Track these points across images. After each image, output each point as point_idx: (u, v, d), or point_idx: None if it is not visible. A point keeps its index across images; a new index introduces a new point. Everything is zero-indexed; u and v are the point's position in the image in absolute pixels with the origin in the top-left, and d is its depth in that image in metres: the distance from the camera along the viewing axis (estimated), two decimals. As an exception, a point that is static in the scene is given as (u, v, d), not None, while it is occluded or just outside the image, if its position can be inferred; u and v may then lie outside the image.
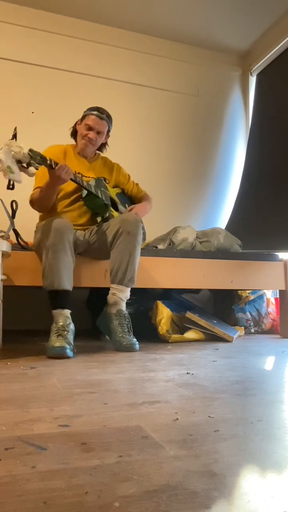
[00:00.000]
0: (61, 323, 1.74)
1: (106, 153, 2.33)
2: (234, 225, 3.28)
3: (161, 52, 3.43)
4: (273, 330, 2.77)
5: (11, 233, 1.92)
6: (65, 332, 1.71)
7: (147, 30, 3.33)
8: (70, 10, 3.11)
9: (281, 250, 2.72)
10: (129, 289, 1.95)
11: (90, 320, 2.50)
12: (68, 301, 1.82)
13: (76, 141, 2.23)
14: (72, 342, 1.72)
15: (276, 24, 3.24)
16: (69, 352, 1.66)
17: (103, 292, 1.99)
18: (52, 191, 1.96)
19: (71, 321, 1.78)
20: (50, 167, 1.83)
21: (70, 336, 1.73)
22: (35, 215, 2.16)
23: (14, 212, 1.95)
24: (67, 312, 1.80)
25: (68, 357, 1.65)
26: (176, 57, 3.48)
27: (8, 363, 1.54)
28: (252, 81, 3.65)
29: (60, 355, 1.64)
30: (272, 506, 0.54)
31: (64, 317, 1.77)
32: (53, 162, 1.81)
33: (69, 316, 1.79)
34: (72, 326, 1.77)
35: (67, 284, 1.80)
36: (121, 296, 1.93)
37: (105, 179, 2.21)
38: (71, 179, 1.91)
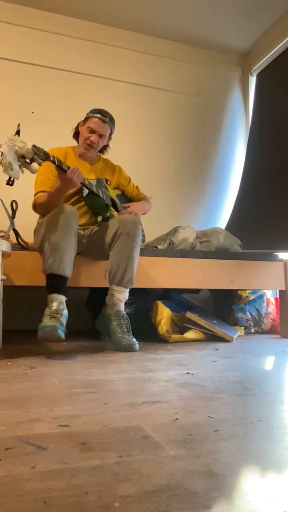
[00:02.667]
0: (54, 307, 1.72)
1: (107, 154, 2.33)
2: (234, 225, 3.28)
3: (161, 52, 3.43)
4: (273, 330, 2.77)
5: (11, 233, 1.92)
6: (58, 315, 1.69)
7: (147, 30, 3.33)
8: (70, 10, 3.11)
9: (281, 250, 2.72)
10: (127, 290, 1.95)
11: (90, 320, 2.50)
12: (66, 287, 1.80)
13: (77, 142, 2.23)
14: (64, 324, 1.69)
15: (276, 24, 3.24)
16: (60, 332, 1.64)
17: (103, 292, 1.99)
18: (61, 196, 1.94)
19: (65, 307, 1.76)
20: (61, 169, 1.83)
21: (63, 319, 1.70)
22: (35, 215, 2.16)
23: (14, 212, 1.95)
24: (63, 298, 1.77)
25: (59, 337, 1.63)
26: (176, 57, 3.48)
27: (8, 363, 1.54)
28: (252, 81, 3.65)
29: (51, 334, 1.62)
30: (272, 506, 0.54)
31: (59, 301, 1.75)
32: (56, 159, 1.82)
33: (64, 302, 1.77)
34: (65, 312, 1.74)
35: (68, 270, 1.79)
36: (119, 297, 1.92)
37: (106, 181, 2.21)
38: (81, 183, 1.91)
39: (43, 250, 1.82)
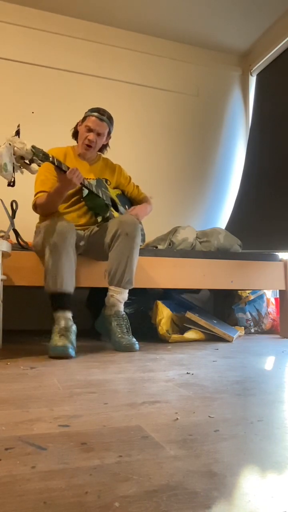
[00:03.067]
0: (63, 325, 1.74)
1: (106, 153, 2.33)
2: (234, 225, 3.28)
3: (161, 52, 3.43)
4: (273, 330, 2.77)
5: (11, 233, 1.92)
6: (68, 332, 1.71)
7: (147, 30, 3.33)
8: (70, 10, 3.11)
9: (281, 250, 2.72)
10: (127, 290, 1.95)
11: (90, 320, 2.50)
12: (70, 302, 1.81)
13: (77, 142, 2.23)
14: (74, 342, 1.72)
15: (276, 24, 3.24)
16: (71, 351, 1.66)
17: (103, 292, 1.99)
18: (60, 196, 1.94)
19: (73, 322, 1.78)
20: (60, 169, 1.83)
21: (73, 337, 1.73)
22: (35, 215, 2.16)
23: (14, 212, 1.95)
24: (69, 314, 1.79)
25: (70, 357, 1.65)
26: (176, 57, 3.48)
27: (8, 363, 1.54)
28: (252, 81, 3.65)
29: (63, 354, 1.64)
30: (272, 506, 0.54)
31: (66, 319, 1.77)
32: (55, 160, 1.81)
33: (71, 318, 1.79)
34: (74, 328, 1.76)
35: (70, 286, 1.80)
36: (119, 297, 1.92)
37: (106, 180, 2.21)
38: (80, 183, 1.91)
39: (44, 266, 1.83)
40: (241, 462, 0.67)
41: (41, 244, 1.85)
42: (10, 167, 1.64)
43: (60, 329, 1.72)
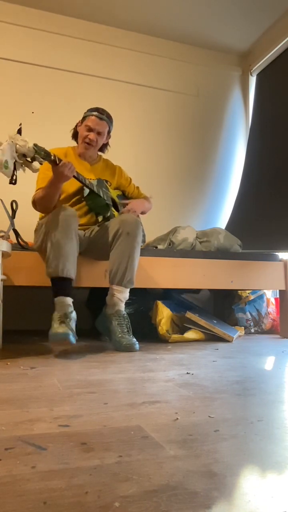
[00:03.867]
0: (63, 311, 1.72)
1: (107, 153, 2.33)
2: (234, 225, 3.28)
3: (161, 52, 3.43)
4: (273, 330, 2.77)
5: (11, 233, 1.92)
6: (68, 319, 1.70)
7: (147, 30, 3.33)
8: (70, 10, 3.11)
9: (281, 250, 2.72)
10: (128, 290, 1.95)
11: (90, 320, 2.50)
12: (71, 289, 1.80)
13: (77, 142, 2.23)
14: (74, 329, 1.70)
15: (276, 24, 3.24)
16: (71, 338, 1.65)
17: (103, 292, 1.99)
18: (55, 189, 1.94)
19: (73, 309, 1.76)
20: (54, 163, 1.83)
21: (73, 324, 1.71)
22: (35, 215, 2.16)
23: (14, 212, 1.95)
24: (70, 300, 1.77)
25: (71, 343, 1.64)
26: (176, 57, 3.48)
27: (8, 363, 1.54)
28: (252, 81, 3.65)
29: (63, 340, 1.63)
30: (272, 506, 0.54)
31: (66, 305, 1.75)
32: (57, 158, 1.82)
33: (71, 304, 1.77)
34: (74, 314, 1.75)
35: (72, 272, 1.79)
36: (120, 297, 1.92)
37: (107, 181, 2.21)
38: (74, 177, 1.90)
39: (45, 253, 1.82)
40: (241, 462, 0.67)
41: (44, 233, 1.84)
42: (11, 165, 1.64)
43: (60, 316, 1.71)
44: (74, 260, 1.82)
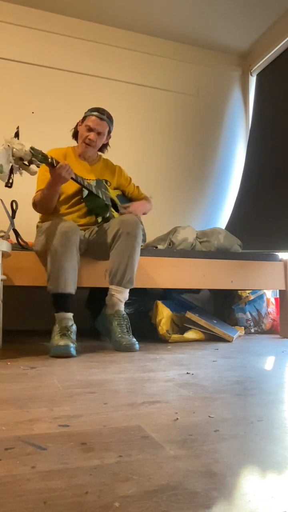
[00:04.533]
0: (64, 325, 1.76)
1: (107, 153, 2.33)
2: (234, 225, 3.28)
3: (161, 52, 3.43)
4: (273, 330, 2.77)
5: (11, 233, 1.92)
6: (69, 332, 1.73)
7: (147, 30, 3.33)
8: (70, 10, 3.11)
9: (281, 250, 2.72)
10: (128, 290, 1.95)
11: (90, 320, 2.50)
12: (71, 304, 1.82)
13: (77, 142, 2.23)
14: (75, 341, 1.74)
15: (276, 24, 3.24)
16: (73, 350, 1.67)
17: (103, 292, 1.99)
18: (53, 191, 1.95)
19: (73, 323, 1.80)
20: (52, 166, 1.83)
21: (73, 336, 1.75)
22: (35, 215, 2.16)
23: (14, 212, 1.95)
24: (70, 315, 1.81)
25: (72, 356, 1.66)
26: (176, 57, 3.48)
27: (8, 363, 1.54)
28: (252, 81, 3.65)
29: (64, 353, 1.65)
30: (272, 506, 0.54)
31: (67, 319, 1.79)
32: (54, 161, 1.82)
33: (72, 318, 1.81)
34: (74, 327, 1.79)
35: (72, 288, 1.82)
36: (119, 297, 1.92)
37: (106, 181, 2.21)
38: (72, 178, 1.91)
39: (45, 267, 1.83)
40: (241, 462, 0.67)
41: (44, 244, 1.85)
42: (6, 169, 1.64)
43: (61, 329, 1.74)
44: (74, 275, 1.84)
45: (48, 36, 3.11)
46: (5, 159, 1.63)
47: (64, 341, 1.68)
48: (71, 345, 1.68)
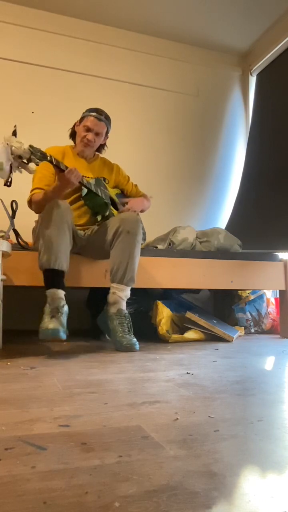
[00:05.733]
0: (55, 305, 1.71)
1: (106, 153, 2.33)
2: (234, 225, 3.28)
3: (161, 52, 3.43)
4: (273, 330, 2.77)
5: (11, 233, 1.92)
6: (59, 313, 1.69)
7: (147, 30, 3.33)
8: (70, 10, 3.11)
9: (281, 250, 2.72)
10: (129, 288, 1.95)
11: (90, 320, 2.50)
12: (63, 281, 1.79)
13: (75, 142, 2.23)
14: (65, 324, 1.69)
15: (276, 24, 3.24)
16: (62, 334, 1.64)
17: (103, 292, 1.98)
18: (58, 195, 1.94)
19: (65, 302, 1.75)
20: (60, 170, 1.84)
21: (64, 318, 1.70)
22: (35, 215, 2.16)
23: (14, 212, 1.94)
24: (62, 292, 1.77)
25: (61, 339, 1.63)
26: (176, 57, 3.48)
27: (8, 363, 1.54)
28: (252, 81, 3.65)
29: (53, 337, 1.62)
30: (272, 506, 0.54)
31: (58, 297, 1.74)
32: (53, 159, 1.82)
33: (63, 297, 1.76)
34: (66, 308, 1.74)
35: (64, 264, 1.79)
36: (121, 295, 1.92)
37: (104, 179, 2.21)
38: (79, 182, 1.91)
39: (38, 245, 1.82)
40: (241, 462, 0.67)
41: (38, 226, 1.84)
42: (6, 167, 1.64)
43: (51, 310, 1.70)
44: (66, 252, 1.81)
45: (48, 36, 3.11)
46: (5, 157, 1.63)
47: (54, 324, 1.63)
48: (60, 328, 1.63)
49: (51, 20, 3.11)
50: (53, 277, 1.78)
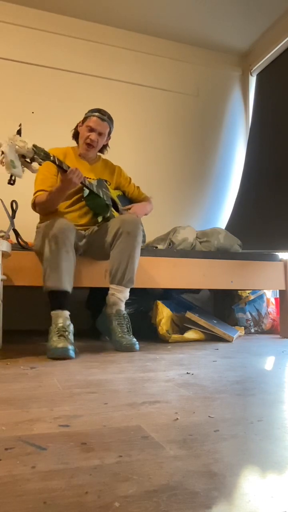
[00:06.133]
0: (61, 324, 1.73)
1: (106, 153, 2.33)
2: (234, 225, 3.28)
3: (161, 52, 3.43)
4: (273, 330, 2.77)
5: (11, 233, 1.92)
6: (66, 332, 1.70)
7: (147, 30, 3.33)
8: (70, 10, 3.11)
9: (281, 250, 2.72)
10: (128, 289, 1.95)
11: (90, 320, 2.50)
12: (68, 302, 1.81)
13: (77, 143, 2.23)
14: (73, 342, 1.71)
15: (276, 24, 3.24)
16: (71, 353, 1.65)
17: (103, 292, 1.99)
18: (61, 195, 1.94)
19: (70, 322, 1.78)
20: (63, 170, 1.84)
21: (71, 337, 1.72)
22: (35, 215, 2.16)
23: (14, 212, 1.94)
24: (67, 313, 1.79)
25: (70, 358, 1.64)
26: (176, 57, 3.48)
27: (8, 363, 1.54)
28: (252, 81, 3.65)
29: (63, 356, 1.63)
30: (272, 506, 0.54)
31: (63, 318, 1.76)
32: (56, 159, 1.82)
33: (68, 317, 1.79)
34: (71, 327, 1.76)
35: (68, 285, 1.80)
36: (120, 296, 1.92)
37: (106, 181, 2.21)
38: (81, 183, 1.91)
39: (42, 266, 1.83)
40: (241, 462, 0.67)
41: (41, 242, 1.85)
42: (18, 164, 1.64)
43: (58, 329, 1.71)
44: (70, 273, 1.82)
45: (48, 36, 3.11)
46: (13, 155, 1.63)
47: (63, 343, 1.65)
48: (70, 347, 1.65)
49: (51, 20, 3.11)
50: (58, 299, 1.79)
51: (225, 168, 3.62)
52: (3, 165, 1.64)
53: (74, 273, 1.86)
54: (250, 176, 3.40)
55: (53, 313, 1.78)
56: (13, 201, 1.95)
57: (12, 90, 3.00)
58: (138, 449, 0.72)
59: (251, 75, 3.63)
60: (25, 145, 1.68)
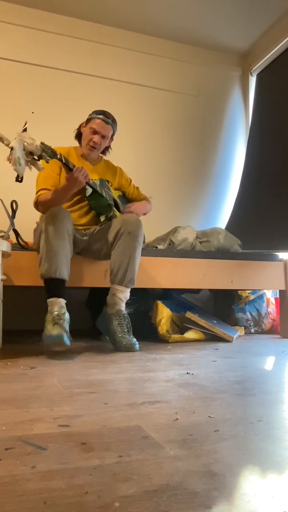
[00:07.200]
0: (56, 312, 1.71)
1: (108, 155, 2.33)
2: (234, 225, 3.28)
3: (161, 52, 3.43)
4: (273, 330, 2.77)
5: (11, 233, 1.92)
6: (61, 320, 1.68)
7: (147, 30, 3.33)
8: (70, 10, 3.11)
9: (281, 250, 2.72)
10: (129, 289, 1.95)
11: (90, 320, 2.50)
12: (64, 290, 1.79)
13: (80, 143, 2.23)
14: (68, 330, 1.69)
15: (276, 24, 3.24)
16: (66, 339, 1.64)
17: (103, 292, 1.99)
18: (67, 194, 1.94)
19: (66, 310, 1.75)
20: (68, 168, 1.84)
21: (66, 325, 1.70)
22: (35, 215, 2.16)
23: (14, 212, 1.94)
24: (63, 301, 1.76)
25: (65, 345, 1.63)
26: (176, 57, 3.48)
27: (8, 363, 1.54)
28: (252, 81, 3.65)
29: (57, 343, 1.62)
30: (272, 506, 0.54)
31: (59, 306, 1.74)
32: (63, 157, 1.82)
33: (64, 305, 1.76)
34: (67, 316, 1.73)
35: (65, 272, 1.79)
36: (120, 296, 1.92)
37: (108, 182, 2.22)
38: (86, 183, 1.91)
39: (38, 254, 1.82)
40: (241, 462, 0.67)
41: (39, 234, 1.84)
42: (23, 162, 1.64)
43: (53, 317, 1.69)
44: (67, 261, 1.81)
45: (48, 36, 3.11)
46: (20, 152, 1.62)
47: (57, 330, 1.63)
48: (64, 334, 1.63)
49: (51, 20, 3.11)
50: (54, 286, 1.78)
51: (225, 168, 3.62)
52: (9, 161, 1.62)
53: (73, 270, 1.85)
54: (250, 176, 3.40)
55: (49, 300, 1.76)
56: (13, 201, 1.95)
57: (12, 90, 2.99)
58: (138, 449, 0.72)
59: (251, 75, 3.63)
60: (34, 142, 1.67)
